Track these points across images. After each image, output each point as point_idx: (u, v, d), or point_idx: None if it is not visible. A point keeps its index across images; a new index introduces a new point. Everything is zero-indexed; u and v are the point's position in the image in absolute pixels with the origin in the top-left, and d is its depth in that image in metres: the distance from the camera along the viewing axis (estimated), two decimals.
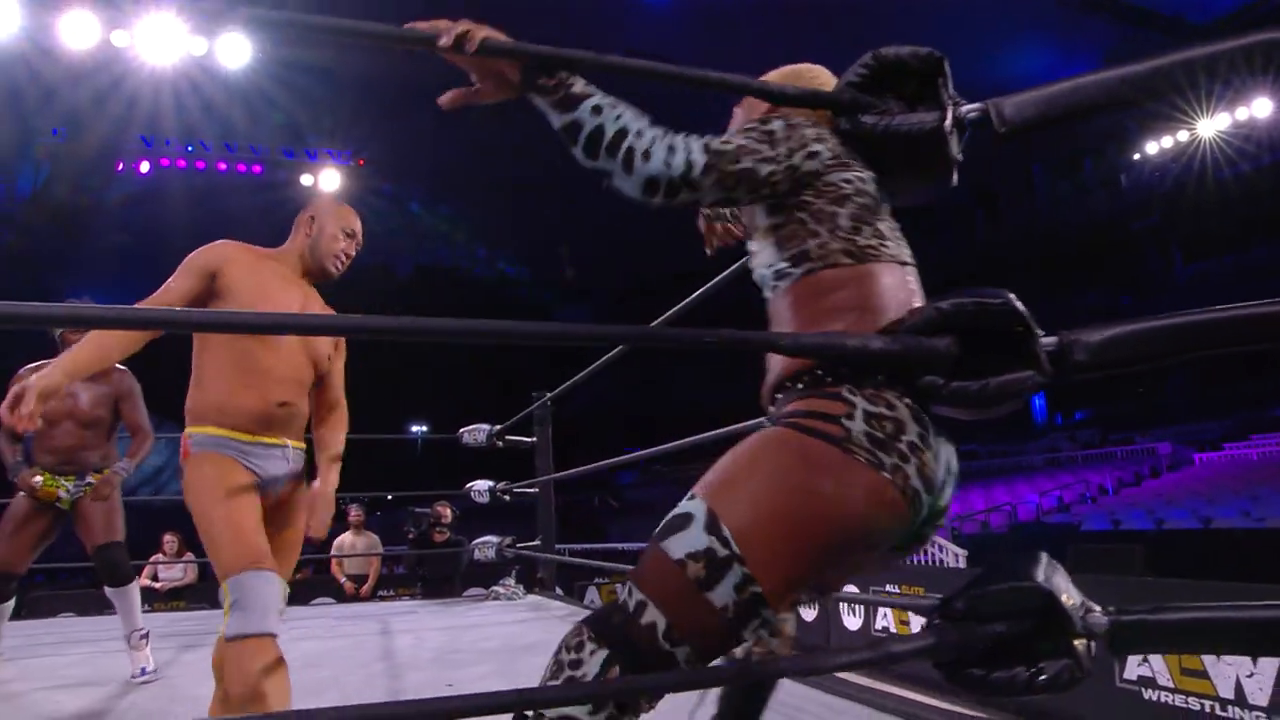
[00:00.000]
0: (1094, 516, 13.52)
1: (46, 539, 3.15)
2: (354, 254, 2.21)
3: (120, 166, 14.88)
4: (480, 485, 5.18)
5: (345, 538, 7.38)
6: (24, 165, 14.54)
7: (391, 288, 21.78)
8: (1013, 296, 1.22)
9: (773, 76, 1.44)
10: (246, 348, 2.00)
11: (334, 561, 7.37)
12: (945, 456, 1.17)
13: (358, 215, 2.25)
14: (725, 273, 2.55)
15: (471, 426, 5.12)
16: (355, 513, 7.46)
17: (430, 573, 6.59)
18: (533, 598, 5.22)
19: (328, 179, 15.31)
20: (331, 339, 2.20)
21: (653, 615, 1.04)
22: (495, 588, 5.28)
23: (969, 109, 1.28)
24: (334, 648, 3.64)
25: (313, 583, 7.55)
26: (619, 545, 12.92)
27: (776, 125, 1.22)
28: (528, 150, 18.40)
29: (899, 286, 1.22)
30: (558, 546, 5.78)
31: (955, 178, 1.37)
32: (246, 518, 1.86)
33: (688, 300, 3.02)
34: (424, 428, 19.50)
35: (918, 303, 1.23)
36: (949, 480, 1.18)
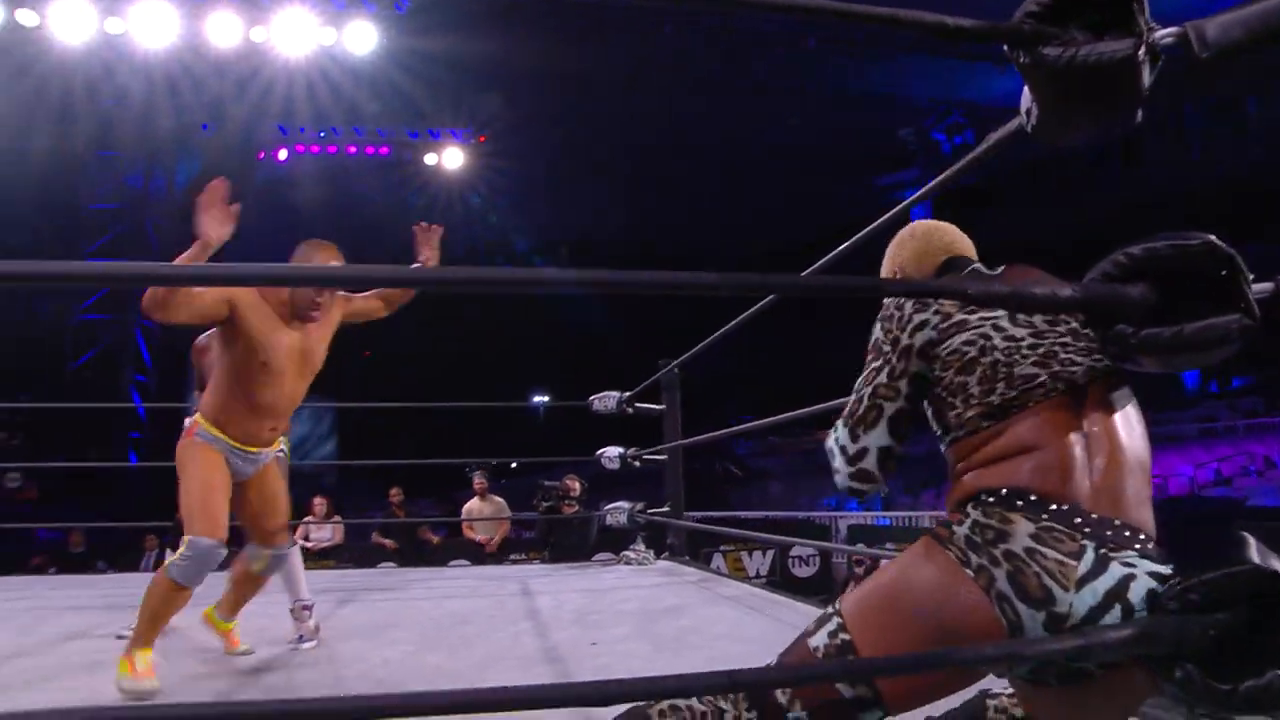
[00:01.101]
0: (1262, 491, 12.55)
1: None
2: (327, 297, 2.47)
3: (261, 155, 15.77)
4: (611, 451, 5.26)
5: (473, 504, 7.71)
6: (181, 159, 15.63)
7: (512, 263, 22.30)
8: (1214, 238, 1.14)
9: (901, 244, 1.52)
10: (253, 385, 2.45)
11: (465, 526, 7.72)
12: (1106, 585, 1.09)
13: (333, 252, 2.45)
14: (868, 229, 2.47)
15: (601, 394, 5.19)
16: (479, 480, 7.78)
17: (560, 540, 6.78)
18: (664, 563, 5.28)
19: (450, 157, 15.78)
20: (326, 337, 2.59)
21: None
22: (626, 553, 5.37)
23: (1164, 34, 1.17)
24: (479, 607, 3.79)
25: (449, 545, 7.93)
26: (741, 513, 12.91)
27: (878, 330, 1.33)
28: (652, 124, 18.41)
29: (1052, 417, 1.21)
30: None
31: (1141, 113, 1.28)
32: (216, 498, 2.43)
33: (835, 253, 2.89)
34: (546, 398, 19.95)
35: (1086, 423, 1.21)
36: (1114, 612, 1.08)
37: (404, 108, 15.56)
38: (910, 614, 1.16)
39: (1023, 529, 1.13)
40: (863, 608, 1.20)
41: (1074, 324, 1.27)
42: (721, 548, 9.12)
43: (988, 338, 1.25)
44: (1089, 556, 1.11)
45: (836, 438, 1.33)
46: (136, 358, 15.70)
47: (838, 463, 1.32)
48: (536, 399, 19.15)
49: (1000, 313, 1.26)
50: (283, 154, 15.76)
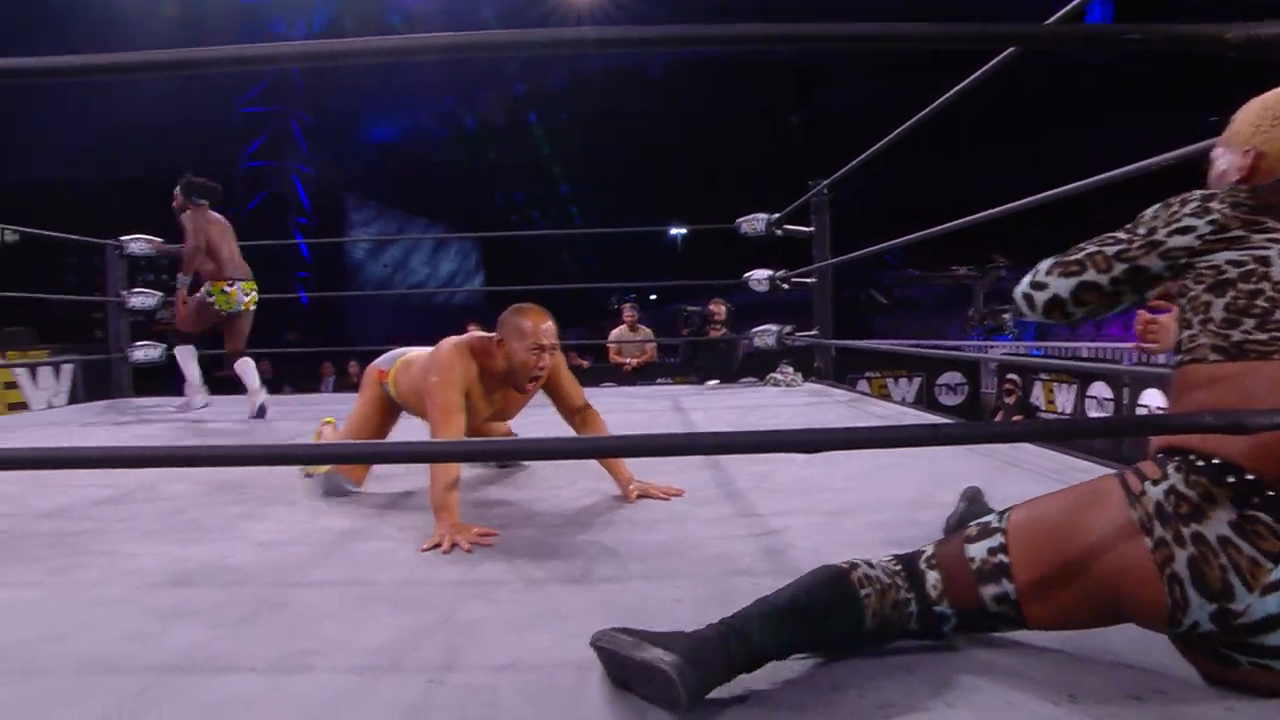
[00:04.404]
0: None
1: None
2: (549, 359, 2.24)
3: None
4: (759, 274, 5.21)
5: (620, 331, 7.91)
6: (320, 5, 15.81)
7: (641, 88, 21.53)
8: None
9: (1251, 109, 1.20)
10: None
11: (612, 351, 7.97)
12: None
13: (545, 315, 2.25)
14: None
15: (749, 216, 5.09)
16: (629, 312, 7.94)
17: (705, 362, 6.90)
18: (810, 385, 5.31)
19: None
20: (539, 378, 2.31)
21: (929, 548, 1.25)
22: (773, 375, 5.42)
23: None
24: (634, 420, 3.96)
25: (598, 370, 8.24)
26: (887, 342, 12.69)
27: (1148, 211, 1.20)
28: None
29: None
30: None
31: None
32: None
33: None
34: (682, 230, 19.83)
35: None
36: None
37: None
38: (1074, 560, 1.11)
39: (1223, 514, 1.02)
40: (1029, 537, 1.16)
41: None
42: (866, 374, 9.06)
43: (1265, 262, 1.07)
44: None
45: (1041, 262, 1.27)
46: (297, 202, 16.66)
47: (1026, 277, 1.26)
48: (674, 230, 19.09)
49: None
50: None
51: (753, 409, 4.31)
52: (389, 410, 2.58)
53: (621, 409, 4.38)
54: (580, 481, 2.51)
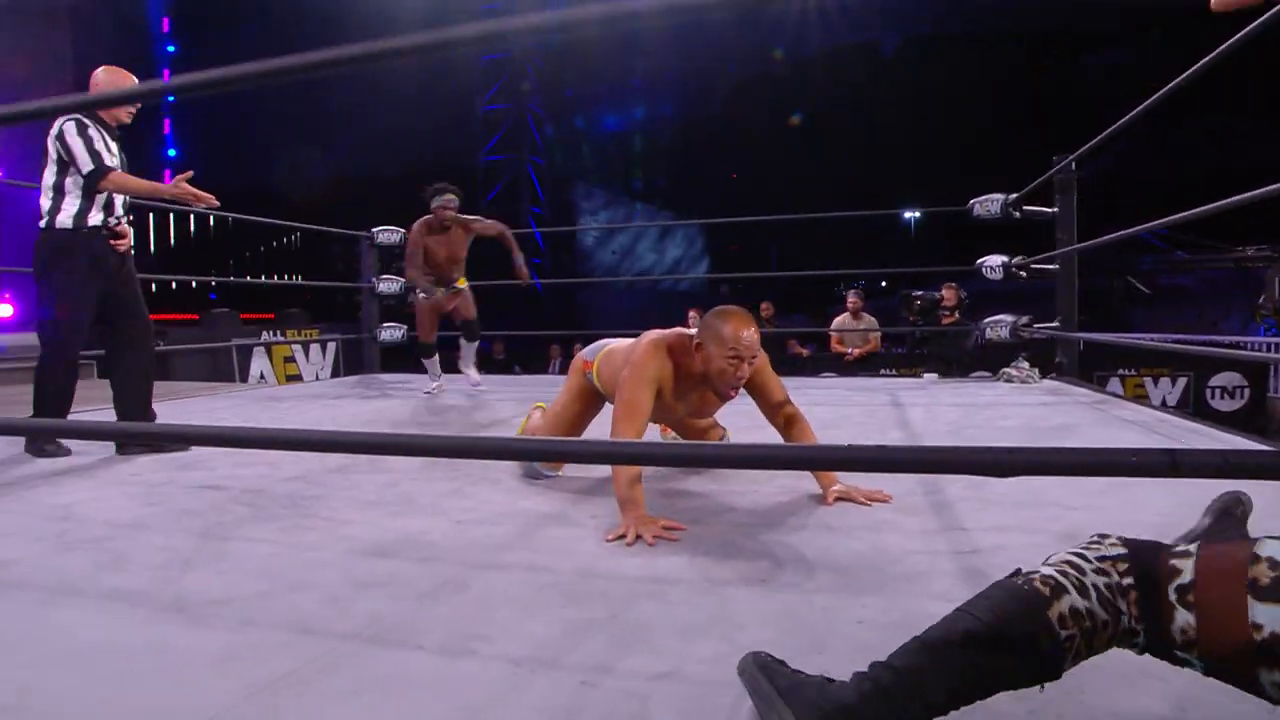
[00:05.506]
0: None
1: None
2: (748, 368, 2.13)
3: None
4: (993, 260, 4.78)
5: (843, 319, 7.63)
6: (554, 3, 16.59)
7: (875, 67, 20.62)
8: None
9: None
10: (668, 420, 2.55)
11: (834, 340, 7.71)
12: None
13: (748, 323, 2.12)
14: None
15: (984, 197, 4.67)
16: (853, 299, 7.66)
17: (934, 353, 6.46)
18: (1049, 382, 4.80)
19: None
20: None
21: (1187, 569, 0.89)
22: (1006, 370, 4.96)
23: None
24: (848, 414, 3.77)
25: (818, 359, 8.01)
26: (1148, 336, 11.31)
27: None
28: None
29: None
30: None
31: None
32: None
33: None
34: (916, 213, 18.83)
35: None
36: None
37: None
38: None
39: None
40: None
41: None
42: (1119, 371, 8.11)
43: None
44: None
45: None
46: (531, 191, 17.68)
47: None
48: (907, 213, 18.15)
49: None
50: None
51: (981, 408, 3.95)
52: (592, 400, 2.59)
53: (837, 402, 4.20)
54: (778, 479, 2.41)
